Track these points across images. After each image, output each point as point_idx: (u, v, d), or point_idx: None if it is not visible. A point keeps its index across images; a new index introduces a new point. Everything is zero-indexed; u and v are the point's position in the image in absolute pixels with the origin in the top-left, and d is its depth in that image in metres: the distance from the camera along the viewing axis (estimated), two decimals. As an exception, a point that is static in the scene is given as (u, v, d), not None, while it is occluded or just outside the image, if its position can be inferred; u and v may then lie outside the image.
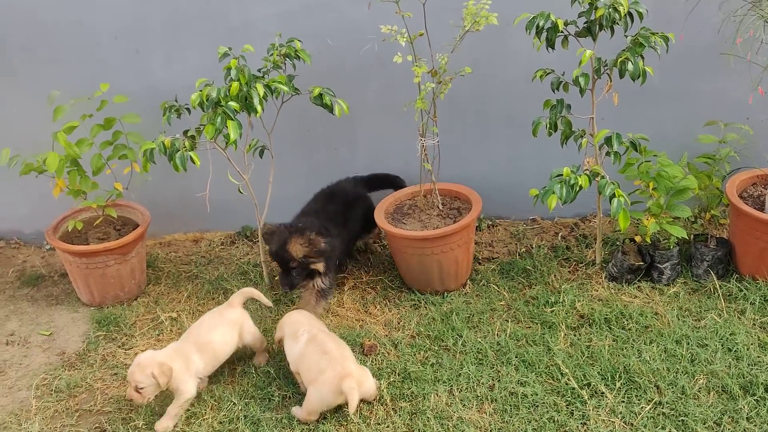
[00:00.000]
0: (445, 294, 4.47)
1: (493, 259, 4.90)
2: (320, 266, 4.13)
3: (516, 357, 3.94)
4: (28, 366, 4.36)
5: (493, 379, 3.83)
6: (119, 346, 4.42)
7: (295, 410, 3.69)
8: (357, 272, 4.90)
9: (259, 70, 4.17)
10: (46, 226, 4.98)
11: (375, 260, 5.03)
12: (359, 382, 3.54)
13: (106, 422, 3.87)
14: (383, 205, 4.60)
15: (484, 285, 4.62)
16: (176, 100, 4.22)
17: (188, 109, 4.17)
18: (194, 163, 3.82)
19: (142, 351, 4.26)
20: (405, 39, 3.96)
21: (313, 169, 5.06)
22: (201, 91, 3.95)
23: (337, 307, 4.54)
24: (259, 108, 3.82)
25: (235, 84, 3.76)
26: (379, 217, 4.47)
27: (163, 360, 3.64)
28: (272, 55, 4.18)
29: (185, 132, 4.04)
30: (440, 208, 4.56)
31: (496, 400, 3.69)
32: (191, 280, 4.95)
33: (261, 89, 3.81)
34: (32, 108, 4.87)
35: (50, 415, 3.96)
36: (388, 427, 3.59)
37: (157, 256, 5.20)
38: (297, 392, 3.86)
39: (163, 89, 4.61)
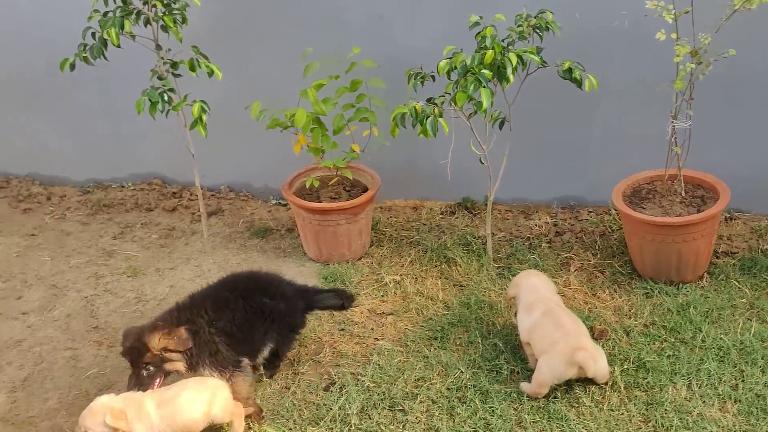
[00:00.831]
0: (680, 285, 4.48)
1: (732, 253, 4.83)
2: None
3: (762, 358, 3.91)
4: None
5: (736, 379, 3.82)
6: (346, 303, 4.74)
7: (524, 385, 3.86)
8: (584, 254, 4.98)
9: (503, 40, 4.31)
10: (273, 181, 5.51)
11: (603, 243, 5.07)
12: (593, 357, 3.64)
13: (335, 375, 4.21)
14: (620, 187, 4.65)
15: (723, 280, 4.58)
16: (421, 68, 4.44)
17: (433, 77, 4.39)
18: (444, 129, 4.05)
19: (368, 309, 4.59)
20: (671, 16, 3.96)
21: (544, 145, 5.18)
22: (450, 58, 4.16)
23: (563, 288, 4.65)
24: (511, 77, 4.00)
25: (490, 52, 3.94)
26: (617, 198, 4.53)
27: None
28: (521, 25, 4.31)
29: (429, 99, 4.27)
30: (683, 195, 4.53)
31: (740, 400, 3.69)
32: (413, 246, 5.24)
33: (514, 59, 3.98)
34: (277, 66, 5.33)
35: (281, 361, 4.34)
36: (622, 414, 3.69)
37: (378, 220, 5.53)
38: (525, 368, 4.03)
39: (404, 56, 4.87)
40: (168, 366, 3.69)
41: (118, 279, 5.23)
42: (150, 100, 4.57)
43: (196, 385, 3.62)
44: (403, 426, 3.78)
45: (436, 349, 4.25)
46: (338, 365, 4.26)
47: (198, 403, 3.55)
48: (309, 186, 4.87)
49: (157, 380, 3.71)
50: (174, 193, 6.09)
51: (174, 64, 4.73)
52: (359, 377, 4.13)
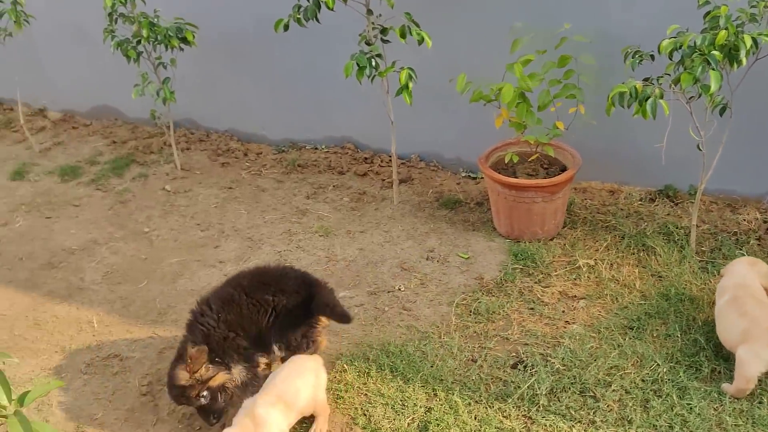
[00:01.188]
0: None
1: None
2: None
3: None
4: (447, 284, 4.89)
5: None
6: (536, 282, 4.78)
7: (726, 387, 3.73)
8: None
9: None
10: (465, 153, 5.67)
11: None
12: None
13: (523, 353, 4.25)
14: None
15: None
16: (638, 47, 4.33)
17: (652, 56, 4.28)
18: (664, 111, 3.94)
19: (559, 291, 4.56)
20: None
21: (763, 135, 4.92)
22: (674, 37, 4.03)
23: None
24: (744, 60, 3.82)
25: (723, 32, 3.79)
26: None
27: None
28: (754, 6, 4.10)
29: (646, 79, 4.16)
30: None
31: None
32: (609, 231, 5.15)
33: (749, 41, 3.80)
34: (482, 38, 5.39)
35: (468, 334, 4.43)
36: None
37: (573, 201, 5.47)
38: (729, 368, 3.89)
39: (618, 32, 4.77)
40: (214, 384, 3.68)
41: (310, 237, 5.47)
42: (358, 65, 4.72)
43: (297, 369, 3.70)
44: (594, 412, 3.76)
45: (631, 338, 4.18)
46: (527, 344, 4.28)
47: (306, 387, 3.66)
48: (507, 161, 4.89)
49: (221, 398, 3.71)
50: (366, 158, 6.28)
51: (384, 30, 4.85)
52: (549, 358, 4.14)
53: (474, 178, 5.98)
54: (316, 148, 6.48)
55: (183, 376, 3.62)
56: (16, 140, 7.32)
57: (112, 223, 5.90)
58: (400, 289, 4.84)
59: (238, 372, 3.77)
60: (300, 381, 3.66)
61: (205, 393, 3.64)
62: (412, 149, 6.14)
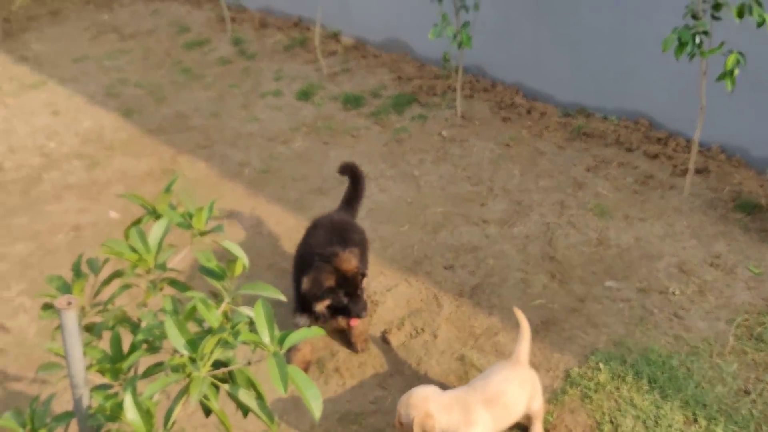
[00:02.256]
0: None
1: None
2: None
3: None
4: (729, 297, 4.40)
5: None
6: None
7: None
8: None
9: None
10: None
11: None
12: None
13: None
14: None
15: None
16: None
17: None
18: None
19: None
20: None
21: None
22: None
23: None
24: None
25: None
26: None
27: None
28: None
29: None
30: None
31: None
32: None
33: None
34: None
35: (746, 360, 4.01)
36: None
37: None
38: None
39: None
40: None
41: (583, 214, 5.16)
42: (679, 40, 4.23)
43: (517, 377, 3.49)
44: None
45: None
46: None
47: (522, 398, 3.47)
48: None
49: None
50: (659, 138, 5.78)
51: (716, 5, 4.29)
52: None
53: (782, 183, 5.28)
54: (606, 118, 6.05)
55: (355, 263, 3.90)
56: (307, 60, 7.58)
57: (385, 160, 5.92)
58: (674, 293, 4.43)
59: None
60: (519, 391, 3.47)
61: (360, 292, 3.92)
62: (714, 138, 5.54)
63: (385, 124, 6.36)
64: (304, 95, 6.86)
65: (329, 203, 5.38)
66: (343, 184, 5.31)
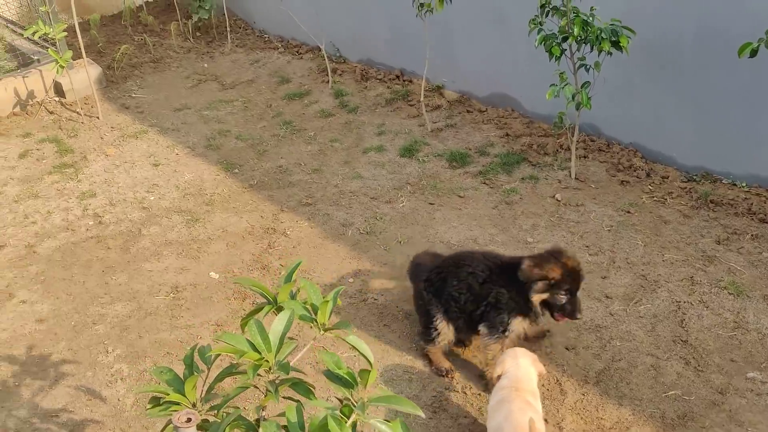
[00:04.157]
0: None
1: None
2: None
3: None
4: None
5: None
6: None
7: None
8: None
9: None
10: None
11: None
12: None
13: None
14: None
15: None
16: None
17: None
18: None
19: None
20: None
21: None
22: None
23: None
24: None
25: None
26: None
27: None
28: None
29: None
30: None
31: None
32: None
33: None
34: None
35: None
36: None
37: None
38: None
39: None
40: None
41: (717, 292, 4.70)
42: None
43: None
44: None
45: None
46: None
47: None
48: None
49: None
50: (794, 210, 5.23)
51: None
52: None
53: None
54: (735, 185, 5.55)
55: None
56: (410, 114, 7.30)
57: (495, 224, 5.57)
58: (827, 388, 3.88)
59: None
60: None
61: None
62: None
63: (493, 185, 6.01)
64: (408, 152, 6.57)
65: (438, 270, 5.02)
66: (452, 249, 4.99)
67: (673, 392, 4.12)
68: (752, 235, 5.20)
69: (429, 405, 4.18)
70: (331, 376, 2.48)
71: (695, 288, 4.79)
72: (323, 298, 2.63)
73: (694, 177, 5.82)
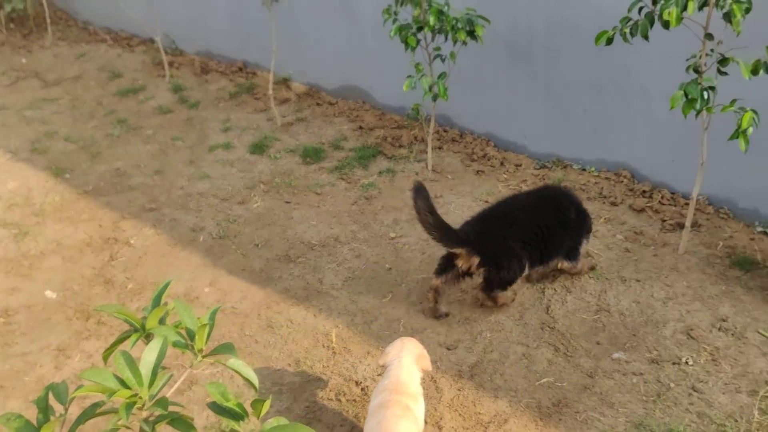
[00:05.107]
0: None
1: None
2: None
3: None
4: (745, 366, 4.16)
5: None
6: None
7: None
8: None
9: None
10: (764, 204, 4.99)
11: None
12: None
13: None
14: None
15: None
16: None
17: None
18: None
19: None
20: None
21: None
22: None
23: None
24: None
25: None
26: None
27: None
28: None
29: None
30: None
31: None
32: None
33: None
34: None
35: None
36: None
37: None
38: None
39: None
40: None
41: (578, 277, 4.77)
42: (686, 96, 3.90)
43: None
44: None
45: None
46: None
47: None
48: None
49: None
50: (644, 191, 5.49)
51: (723, 60, 4.00)
52: None
53: (771, 235, 5.05)
54: (585, 170, 5.71)
55: None
56: (258, 108, 7.06)
57: (356, 220, 5.45)
58: (687, 363, 4.07)
59: None
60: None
61: None
62: (701, 190, 5.25)
63: (351, 180, 5.89)
64: (258, 148, 6.33)
65: (301, 272, 4.85)
66: (313, 249, 4.84)
67: (545, 380, 4.16)
68: (605, 219, 5.37)
69: (303, 417, 4.01)
70: (218, 409, 2.27)
71: (557, 274, 4.85)
72: (199, 320, 2.39)
73: (546, 164, 5.96)
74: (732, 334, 4.40)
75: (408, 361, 3.70)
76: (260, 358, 4.36)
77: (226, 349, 2.36)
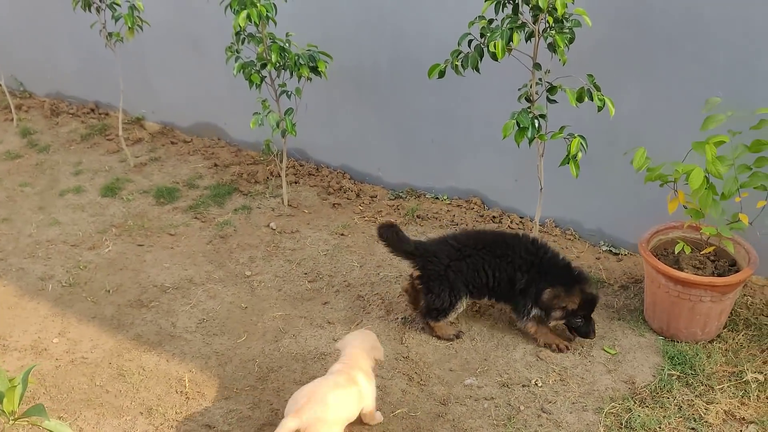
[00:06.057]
0: None
1: None
2: None
3: None
4: (592, 384, 4.31)
5: None
6: (697, 396, 4.18)
7: None
8: None
9: None
10: (609, 226, 5.31)
11: None
12: None
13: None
14: None
15: None
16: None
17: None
18: None
19: (724, 410, 3.94)
20: None
21: None
22: None
23: None
24: None
25: None
26: None
27: None
28: None
29: None
30: None
31: None
32: (778, 339, 4.47)
33: None
34: (661, 109, 4.72)
35: (624, 453, 3.80)
36: None
37: (733, 298, 4.78)
38: None
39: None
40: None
41: (431, 306, 4.87)
42: (518, 125, 4.11)
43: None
44: None
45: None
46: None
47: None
48: (678, 251, 4.25)
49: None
50: (494, 216, 5.70)
51: (552, 89, 4.23)
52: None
53: (616, 254, 5.36)
54: (437, 198, 5.87)
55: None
56: (110, 150, 6.92)
57: (211, 260, 5.40)
58: (536, 384, 4.23)
59: None
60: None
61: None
62: (547, 212, 5.53)
63: (205, 219, 5.85)
64: (110, 191, 6.20)
65: (153, 317, 4.77)
66: (167, 292, 4.77)
67: (400, 410, 4.21)
68: (457, 246, 5.51)
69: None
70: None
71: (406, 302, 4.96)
72: (10, 382, 2.32)
73: (401, 194, 6.09)
74: (579, 354, 4.60)
75: (362, 348, 3.94)
76: (111, 408, 4.24)
77: (37, 411, 2.30)
